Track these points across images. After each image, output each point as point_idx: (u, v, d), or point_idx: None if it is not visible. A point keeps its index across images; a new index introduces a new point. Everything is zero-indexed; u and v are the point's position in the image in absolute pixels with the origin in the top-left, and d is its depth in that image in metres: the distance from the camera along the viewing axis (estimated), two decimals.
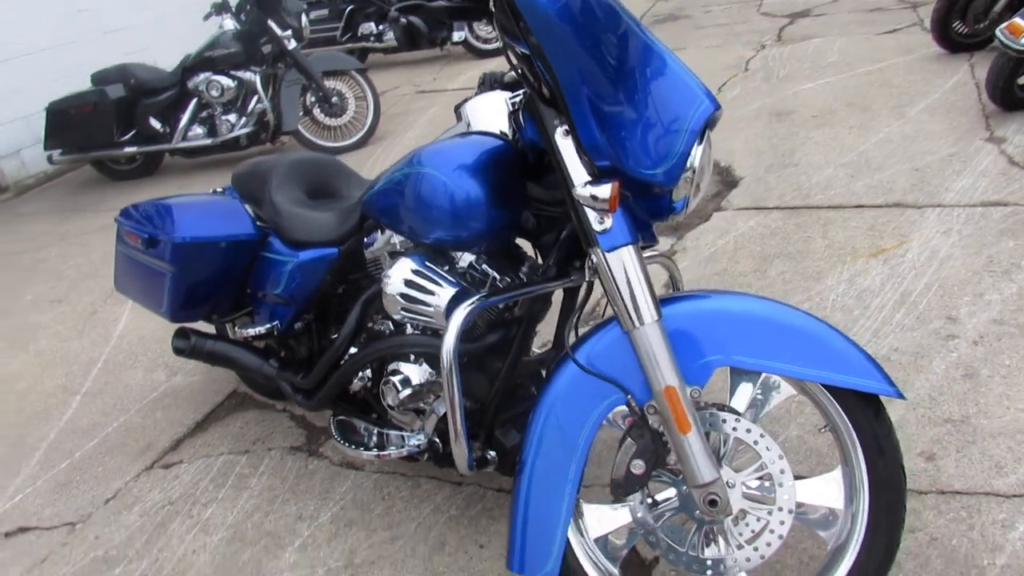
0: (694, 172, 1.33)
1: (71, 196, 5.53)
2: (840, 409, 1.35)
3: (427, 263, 1.59)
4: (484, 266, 1.63)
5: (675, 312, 1.38)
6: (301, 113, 5.20)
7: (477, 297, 1.45)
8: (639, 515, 1.41)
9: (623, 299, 1.33)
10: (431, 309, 1.54)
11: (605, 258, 1.33)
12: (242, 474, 2.21)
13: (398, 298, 1.57)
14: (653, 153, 1.30)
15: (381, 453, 1.72)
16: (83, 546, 2.03)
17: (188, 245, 2.02)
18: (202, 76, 5.17)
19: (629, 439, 1.38)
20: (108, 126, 5.23)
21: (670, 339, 1.35)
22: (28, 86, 5.92)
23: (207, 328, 2.30)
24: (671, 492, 1.42)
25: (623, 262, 1.33)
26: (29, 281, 4.02)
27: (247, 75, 5.18)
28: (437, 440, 1.69)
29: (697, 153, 1.33)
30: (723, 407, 1.41)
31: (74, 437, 2.55)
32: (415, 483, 2.03)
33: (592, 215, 1.32)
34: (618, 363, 1.37)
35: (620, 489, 1.38)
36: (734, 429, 1.36)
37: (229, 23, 5.22)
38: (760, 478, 1.38)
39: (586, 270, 1.46)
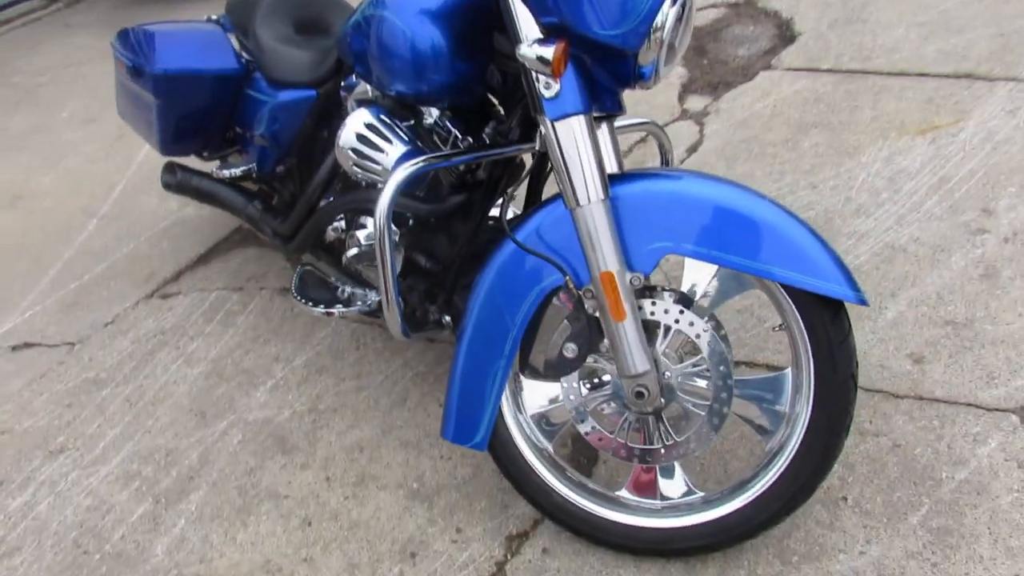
0: (663, 32, 1.18)
1: (120, 10, 5.45)
2: (795, 310, 1.25)
3: (384, 117, 1.49)
4: (448, 124, 1.52)
5: (626, 192, 1.27)
6: None
7: (421, 159, 1.36)
8: (572, 397, 1.37)
9: (568, 174, 1.22)
10: (379, 167, 1.46)
11: (552, 127, 1.21)
12: (231, 311, 2.24)
13: (349, 152, 1.48)
14: (612, 11, 1.14)
15: (328, 310, 1.70)
16: (78, 366, 2.14)
17: (168, 77, 1.95)
18: None
19: (566, 321, 1.32)
20: None
21: (618, 221, 1.25)
22: None
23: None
24: (607, 377, 1.37)
25: (572, 133, 1.21)
26: (68, 97, 4.04)
27: None
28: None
29: (669, 12, 1.16)
30: (677, 295, 1.32)
31: (86, 259, 2.63)
32: (389, 336, 2.03)
33: (540, 79, 1.19)
34: (560, 242, 1.28)
35: (552, 370, 1.33)
36: (676, 321, 1.28)
37: None
38: (700, 373, 1.31)
39: (537, 139, 1.34)
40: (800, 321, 1.25)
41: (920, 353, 1.73)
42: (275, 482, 1.69)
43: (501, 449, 1.43)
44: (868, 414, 1.61)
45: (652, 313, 1.28)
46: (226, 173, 1.98)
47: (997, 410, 1.57)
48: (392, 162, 1.43)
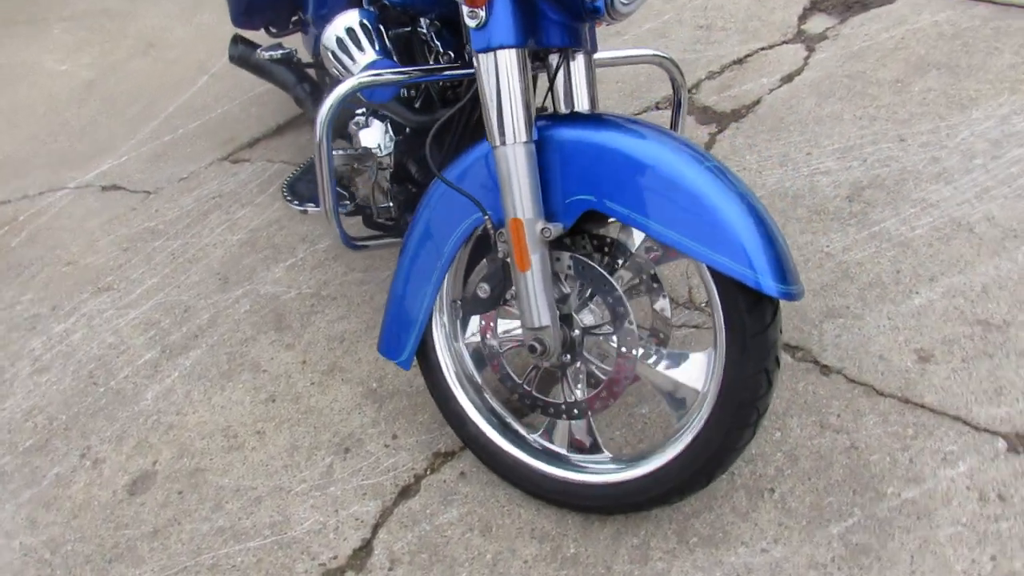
0: None
1: None
2: (715, 290, 1.15)
3: (367, 22, 1.45)
4: (433, 37, 1.47)
5: (559, 136, 1.18)
6: None
7: (367, 74, 1.32)
8: (486, 336, 1.35)
9: (490, 110, 1.16)
10: (348, 73, 1.44)
11: (477, 59, 1.15)
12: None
13: (327, 52, 1.47)
14: None
15: (302, 208, 1.74)
16: (144, 214, 2.35)
17: None
18: None
19: (485, 260, 1.28)
20: None
21: (544, 165, 1.18)
22: None
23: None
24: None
25: (494, 67, 1.13)
26: None
27: None
28: (364, 205, 1.67)
29: None
30: (610, 248, 1.25)
31: (185, 114, 2.82)
32: None
33: (465, 7, 1.12)
34: (485, 180, 1.23)
35: (466, 306, 1.32)
36: (588, 281, 1.22)
37: None
38: (607, 335, 1.25)
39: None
40: (718, 303, 1.15)
41: (930, 351, 1.54)
42: (260, 355, 1.82)
43: (428, 371, 1.45)
44: (839, 406, 1.47)
45: (568, 267, 1.22)
46: (266, 55, 2.02)
47: (986, 431, 1.39)
48: (358, 69, 1.41)
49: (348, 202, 1.69)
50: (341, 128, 1.86)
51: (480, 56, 1.14)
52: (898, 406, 1.46)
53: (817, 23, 2.59)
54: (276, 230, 2.19)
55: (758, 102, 2.29)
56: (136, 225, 2.31)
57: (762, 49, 2.52)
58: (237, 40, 2.21)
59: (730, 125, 2.23)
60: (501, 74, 1.13)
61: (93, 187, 2.52)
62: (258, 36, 2.25)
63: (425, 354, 1.44)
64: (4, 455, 1.69)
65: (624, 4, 1.14)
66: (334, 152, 1.64)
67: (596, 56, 1.36)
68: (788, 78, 2.36)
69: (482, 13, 1.11)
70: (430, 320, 1.40)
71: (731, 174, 1.14)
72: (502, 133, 1.15)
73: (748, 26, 2.64)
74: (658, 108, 2.37)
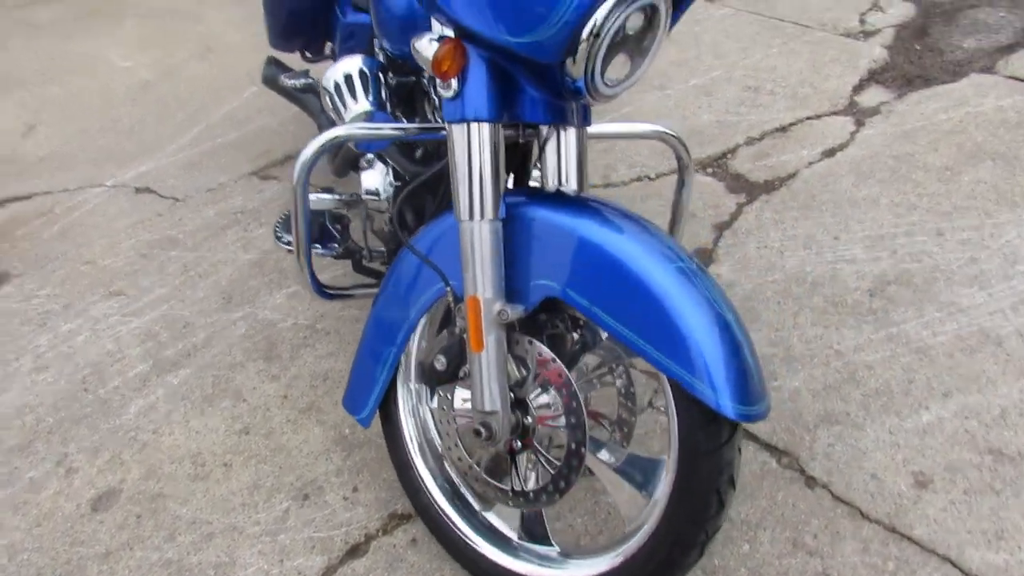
0: (599, 44, 1.00)
1: None
2: (672, 399, 1.08)
3: (367, 69, 1.43)
4: (433, 89, 1.44)
5: (528, 214, 1.13)
6: None
7: (345, 128, 1.30)
8: (443, 406, 1.30)
9: (458, 183, 1.11)
10: (340, 118, 1.42)
11: (448, 128, 1.11)
12: None
13: (324, 94, 1.46)
14: (516, 12, 0.99)
15: (288, 246, 1.71)
16: (168, 222, 2.38)
17: None
18: None
19: (446, 331, 1.24)
20: None
21: (509, 243, 1.13)
22: None
23: None
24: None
25: (464, 140, 1.09)
26: None
27: None
28: (353, 249, 1.65)
29: (611, 20, 0.97)
30: (582, 329, 1.20)
31: (226, 125, 2.87)
32: None
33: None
34: (450, 251, 1.19)
35: (423, 376, 1.27)
36: (541, 370, 1.16)
37: None
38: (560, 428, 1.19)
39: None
40: (673, 413, 1.08)
41: (930, 476, 1.43)
42: (245, 383, 1.81)
43: (389, 432, 1.41)
44: (818, 525, 1.38)
45: (526, 351, 1.17)
46: (289, 82, 2.03)
47: (972, 575, 1.27)
48: (350, 117, 1.39)
49: (336, 245, 1.67)
50: (353, 162, 1.85)
51: (451, 126, 1.10)
52: (883, 534, 1.35)
53: (872, 96, 2.48)
54: (285, 255, 2.19)
55: (794, 175, 2.19)
56: (158, 232, 2.34)
57: (809, 118, 2.42)
58: (271, 62, 2.22)
59: (760, 197, 2.13)
60: (472, 147, 1.09)
61: (128, 188, 2.57)
62: (294, 60, 2.27)
63: (388, 415, 1.40)
64: None
65: (608, 87, 1.08)
66: (328, 193, 1.63)
67: (593, 130, 1.31)
68: (830, 152, 2.26)
69: (455, 83, 1.07)
70: (393, 381, 1.36)
71: (704, 277, 1.07)
72: (468, 208, 1.11)
73: (798, 92, 2.54)
74: (649, 180, 2.29)
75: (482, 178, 1.10)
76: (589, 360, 1.24)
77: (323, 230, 1.66)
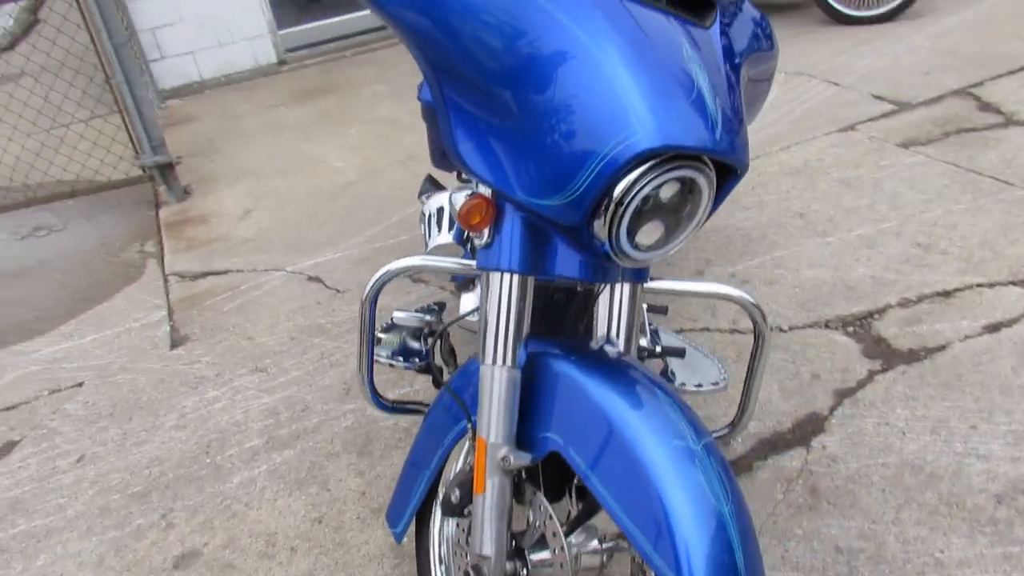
0: (623, 211, 1.01)
1: None
2: None
3: None
4: None
5: (550, 365, 1.14)
6: None
7: (412, 260, 1.39)
8: (456, 538, 1.30)
9: (483, 327, 1.15)
10: (425, 247, 1.52)
11: (482, 275, 1.15)
12: None
13: (422, 222, 1.57)
14: (540, 177, 1.02)
15: (397, 363, 1.78)
16: (322, 312, 2.62)
17: (425, 106, 2.21)
18: None
19: (465, 464, 1.26)
20: None
21: (533, 389, 1.15)
22: None
23: None
24: None
25: (499, 288, 1.13)
26: None
27: None
28: (433, 363, 1.71)
29: (639, 187, 0.98)
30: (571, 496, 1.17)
31: (402, 226, 3.13)
32: None
33: None
34: (475, 389, 1.22)
35: (441, 506, 1.29)
36: (542, 524, 1.13)
37: None
38: None
39: None
40: None
41: None
42: (333, 474, 1.92)
43: (419, 548, 1.44)
44: None
45: (530, 502, 1.15)
46: (422, 201, 2.19)
47: None
48: (431, 246, 1.49)
49: (417, 359, 1.75)
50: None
51: (484, 273, 1.15)
52: None
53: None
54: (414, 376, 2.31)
55: (943, 348, 1.97)
56: (312, 319, 2.59)
57: (979, 285, 2.17)
58: (428, 178, 2.42)
59: (898, 366, 1.94)
60: (500, 296, 1.13)
61: (302, 275, 2.88)
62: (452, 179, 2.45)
63: (421, 533, 1.43)
64: (117, 493, 1.96)
65: (639, 251, 1.07)
66: (418, 313, 1.73)
67: (655, 286, 1.30)
68: (994, 327, 2.01)
69: (486, 233, 1.12)
70: (430, 501, 1.39)
71: (711, 460, 1.01)
72: (491, 353, 1.14)
73: (975, 255, 2.30)
74: (733, 333, 2.14)
75: (507, 327, 1.13)
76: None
77: (405, 344, 1.76)
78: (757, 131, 3.38)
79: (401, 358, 1.75)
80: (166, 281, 2.99)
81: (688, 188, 1.04)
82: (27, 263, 3.35)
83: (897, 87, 3.63)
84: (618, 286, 1.24)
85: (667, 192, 1.03)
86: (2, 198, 3.60)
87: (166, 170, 3.57)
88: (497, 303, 1.13)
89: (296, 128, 4.42)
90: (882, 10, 4.51)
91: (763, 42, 1.38)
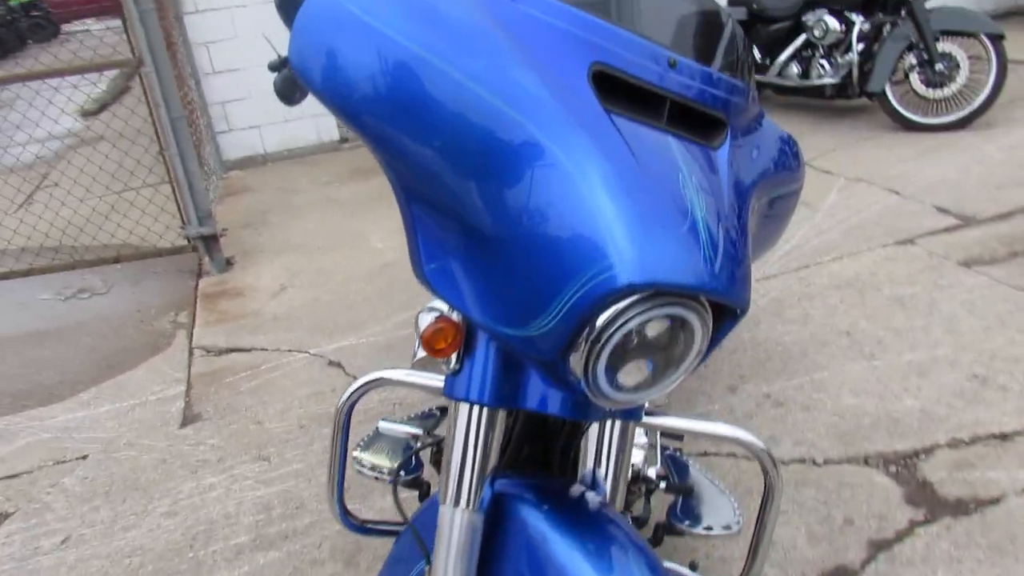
0: (597, 348, 0.89)
1: None
2: None
3: None
4: None
5: (516, 512, 1.02)
6: (893, 75, 4.46)
7: (386, 372, 1.30)
8: None
9: (447, 462, 1.04)
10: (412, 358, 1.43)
11: (449, 403, 1.05)
12: None
13: (415, 329, 1.48)
14: (510, 305, 0.92)
15: (380, 476, 1.67)
16: (333, 399, 2.54)
17: None
18: (816, 12, 4.82)
19: None
20: None
21: (495, 530, 1.03)
22: None
23: None
24: None
25: (460, 419, 1.03)
26: None
27: (856, 20, 4.63)
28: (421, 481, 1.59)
29: (608, 324, 0.88)
30: None
31: None
32: None
33: None
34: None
35: None
36: None
37: None
38: None
39: None
40: None
41: None
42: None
43: None
44: None
45: None
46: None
47: None
48: (414, 360, 1.40)
49: (404, 473, 1.63)
50: None
51: (451, 401, 1.04)
52: None
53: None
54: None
55: (998, 501, 1.76)
56: (324, 407, 2.50)
57: None
58: None
59: (943, 518, 1.73)
60: (468, 430, 1.02)
61: (323, 359, 2.81)
62: None
63: None
64: None
65: (620, 392, 0.95)
66: (406, 425, 1.62)
67: (652, 421, 1.18)
68: None
69: (454, 359, 1.02)
70: None
71: None
72: (449, 492, 1.03)
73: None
74: (815, 465, 1.94)
75: (471, 465, 1.02)
76: None
77: (391, 454, 1.65)
78: (809, 239, 3.24)
79: (403, 472, 1.65)
80: (191, 354, 2.96)
81: (679, 326, 0.92)
82: (64, 325, 3.39)
83: (963, 200, 3.44)
84: (608, 422, 1.13)
85: (654, 329, 0.91)
86: (50, 259, 3.68)
87: (210, 241, 3.61)
88: (463, 437, 1.02)
89: (346, 205, 4.46)
90: (952, 118, 4.36)
91: (787, 163, 1.28)
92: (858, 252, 3.08)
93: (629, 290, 0.85)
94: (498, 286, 0.92)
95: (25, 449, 2.49)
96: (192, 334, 3.13)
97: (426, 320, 1.00)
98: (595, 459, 1.15)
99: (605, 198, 0.86)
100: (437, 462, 1.57)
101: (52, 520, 2.13)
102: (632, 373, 0.94)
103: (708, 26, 1.25)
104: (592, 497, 1.09)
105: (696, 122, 1.04)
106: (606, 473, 1.14)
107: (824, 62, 4.79)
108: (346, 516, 1.39)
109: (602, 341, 0.88)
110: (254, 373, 2.77)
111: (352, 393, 1.29)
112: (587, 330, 0.88)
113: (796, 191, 1.32)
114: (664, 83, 0.99)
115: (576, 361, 0.90)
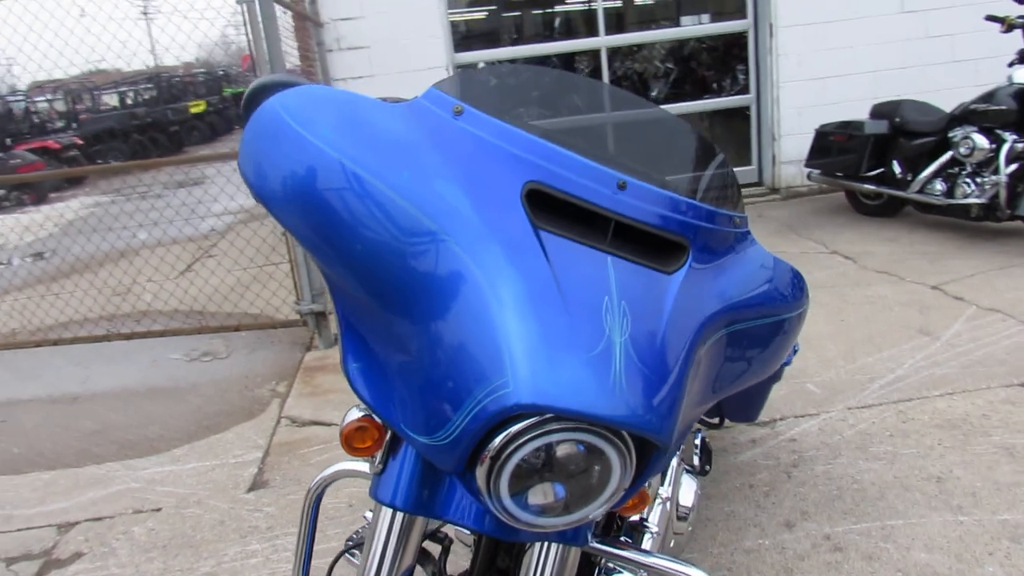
0: (496, 467, 0.88)
1: (810, 216, 5.75)
2: None
3: None
4: None
5: None
6: None
7: (346, 467, 1.32)
8: None
9: (361, 564, 1.04)
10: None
11: (374, 504, 1.06)
12: None
13: None
14: (418, 412, 0.93)
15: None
16: None
17: None
18: (964, 129, 4.56)
19: None
20: (858, 159, 5.18)
21: None
22: (848, 99, 6.12)
23: None
24: None
25: (380, 521, 1.03)
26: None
27: (1008, 138, 4.33)
28: None
29: (506, 445, 0.87)
30: None
31: None
32: None
33: None
34: None
35: None
36: None
37: (1021, 75, 4.39)
38: None
39: None
40: None
41: None
42: None
43: None
44: None
45: None
46: None
47: None
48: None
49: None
50: None
51: (376, 502, 1.05)
52: None
53: None
54: None
55: None
56: None
57: None
58: None
59: None
60: (387, 534, 1.03)
61: None
62: None
63: None
64: None
65: (531, 514, 0.92)
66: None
67: (599, 548, 1.13)
68: None
69: (378, 459, 1.04)
70: None
71: None
72: None
73: None
74: None
75: (380, 565, 1.02)
76: None
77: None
78: (919, 370, 2.98)
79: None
80: (278, 423, 3.13)
81: (593, 454, 0.90)
82: (182, 384, 3.69)
83: None
84: (546, 545, 1.09)
85: (564, 452, 0.89)
86: (182, 322, 4.04)
87: (319, 317, 3.84)
88: (382, 541, 1.03)
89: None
90: None
91: (774, 289, 1.22)
92: (973, 390, 2.79)
93: (520, 411, 0.84)
94: (410, 392, 0.94)
95: (115, 495, 2.70)
96: (285, 403, 3.31)
97: (350, 417, 1.02)
98: None
99: (511, 315, 0.87)
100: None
101: (113, 565, 2.28)
102: (543, 494, 0.92)
103: (687, 153, 1.24)
104: None
105: (656, 244, 1.03)
106: None
107: (970, 181, 4.49)
108: None
109: (500, 459, 0.87)
110: (327, 447, 2.87)
111: (317, 483, 1.32)
112: (487, 446, 0.88)
113: (790, 318, 1.25)
114: (608, 204, 0.99)
115: (481, 476, 0.89)
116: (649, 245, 1.01)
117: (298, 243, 1.01)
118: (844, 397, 2.82)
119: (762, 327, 1.19)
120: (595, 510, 0.92)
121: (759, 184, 6.59)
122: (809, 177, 5.67)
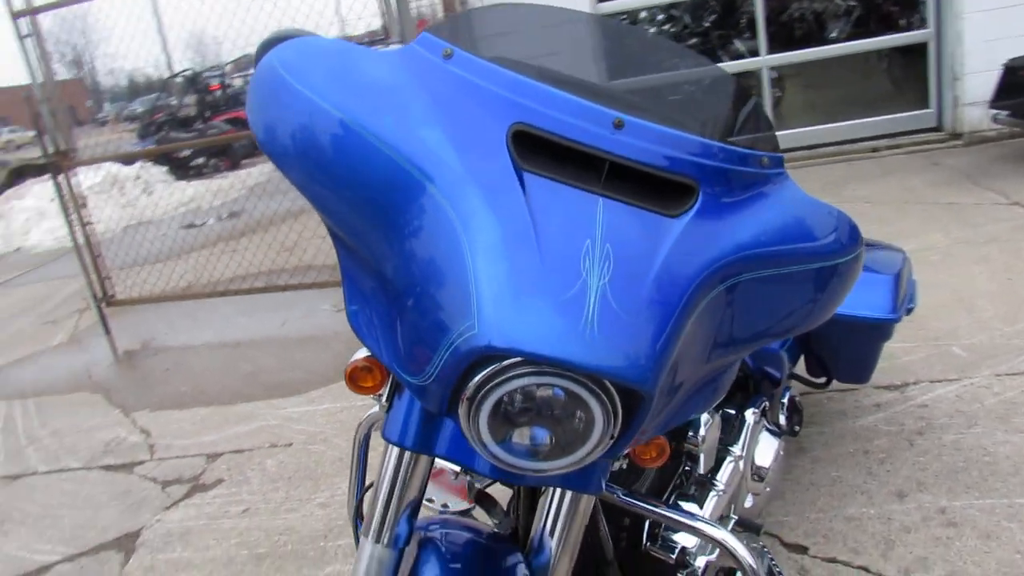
0: (473, 408, 0.89)
1: (993, 163, 5.15)
2: None
3: None
4: None
5: (422, 557, 1.04)
6: None
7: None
8: None
9: (371, 497, 1.09)
10: None
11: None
12: None
13: None
14: (405, 353, 0.96)
15: None
16: None
17: None
18: None
19: None
20: None
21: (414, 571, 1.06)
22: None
23: None
24: None
25: (388, 458, 1.07)
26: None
27: None
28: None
29: (481, 386, 0.88)
30: None
31: None
32: None
33: None
34: None
35: None
36: None
37: None
38: None
39: None
40: None
41: None
42: None
43: None
44: None
45: None
46: None
47: None
48: None
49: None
50: None
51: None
52: None
53: None
54: None
55: None
56: None
57: None
58: None
59: None
60: (393, 468, 1.07)
61: None
62: None
63: None
64: (246, 549, 2.20)
65: (517, 456, 0.92)
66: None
67: (614, 497, 1.13)
68: None
69: (384, 399, 1.08)
70: None
71: None
72: (372, 526, 1.08)
73: None
74: None
75: (389, 503, 1.07)
76: None
77: None
78: None
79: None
80: None
81: (574, 400, 0.89)
82: (329, 332, 3.96)
83: None
84: (558, 491, 1.09)
85: (542, 396, 0.89)
86: (329, 276, 4.32)
87: None
88: (389, 476, 1.07)
89: None
90: None
91: (805, 236, 1.11)
92: None
93: (490, 352, 0.85)
94: (399, 333, 0.97)
95: (256, 431, 2.97)
96: None
97: (357, 356, 1.07)
98: (543, 526, 1.11)
99: (483, 257, 0.87)
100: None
101: (245, 492, 2.52)
102: (528, 437, 0.92)
103: (703, 90, 1.17)
104: (512, 560, 1.06)
105: (664, 186, 0.99)
106: (553, 542, 1.10)
107: None
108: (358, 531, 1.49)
109: (476, 400, 0.88)
110: None
111: (363, 423, 1.39)
112: (464, 388, 0.89)
113: (824, 268, 1.13)
114: (602, 144, 0.96)
115: (461, 417, 0.91)
116: (656, 188, 0.96)
117: (301, 193, 1.05)
118: (994, 362, 2.54)
119: (789, 276, 1.10)
120: (583, 457, 0.91)
121: (938, 129, 5.97)
122: (995, 120, 5.06)
